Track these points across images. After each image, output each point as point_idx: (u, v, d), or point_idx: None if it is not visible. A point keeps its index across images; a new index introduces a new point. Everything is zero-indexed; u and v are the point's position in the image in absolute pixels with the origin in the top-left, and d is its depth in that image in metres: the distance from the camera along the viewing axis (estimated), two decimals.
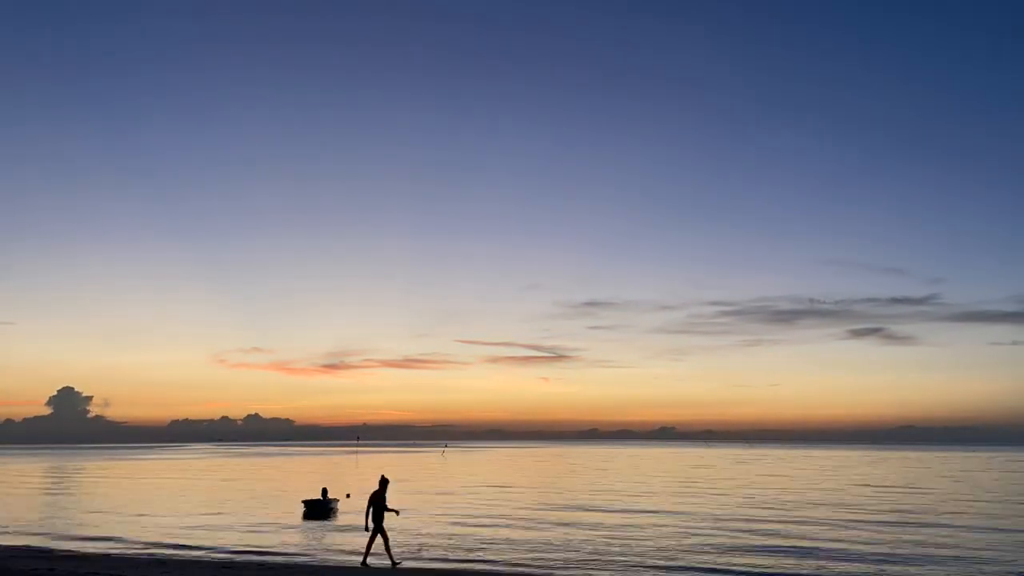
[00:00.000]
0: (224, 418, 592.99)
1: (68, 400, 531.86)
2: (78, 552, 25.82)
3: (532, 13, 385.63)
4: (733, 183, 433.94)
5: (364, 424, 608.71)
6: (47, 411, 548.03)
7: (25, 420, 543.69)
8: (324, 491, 40.95)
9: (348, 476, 77.62)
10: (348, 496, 41.48)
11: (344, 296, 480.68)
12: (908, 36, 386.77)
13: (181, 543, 28.15)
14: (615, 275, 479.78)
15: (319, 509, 38.55)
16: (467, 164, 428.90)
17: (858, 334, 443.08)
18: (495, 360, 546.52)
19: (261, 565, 22.94)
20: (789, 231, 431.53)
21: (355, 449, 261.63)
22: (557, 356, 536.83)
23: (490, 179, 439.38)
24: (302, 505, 39.70)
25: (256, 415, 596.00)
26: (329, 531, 32.20)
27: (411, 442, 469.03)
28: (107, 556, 24.86)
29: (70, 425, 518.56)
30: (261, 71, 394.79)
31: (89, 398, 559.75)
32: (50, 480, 74.39)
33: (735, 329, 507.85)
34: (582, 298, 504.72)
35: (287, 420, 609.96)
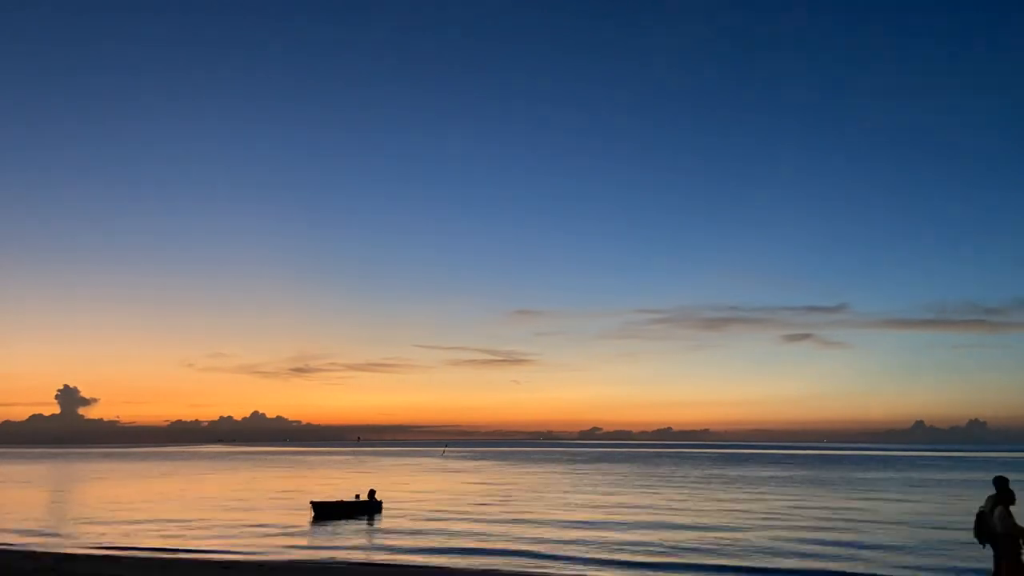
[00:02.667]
0: (223, 418, 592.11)
1: (68, 400, 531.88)
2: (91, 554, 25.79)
3: (463, 15, 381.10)
4: (659, 196, 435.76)
5: (368, 425, 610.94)
6: (47, 411, 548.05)
7: (26, 420, 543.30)
8: (372, 492, 40.41)
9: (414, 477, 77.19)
10: (357, 497, 41.16)
11: (305, 303, 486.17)
12: (821, 52, 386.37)
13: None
14: (547, 283, 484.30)
15: (331, 511, 37.60)
16: (411, 175, 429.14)
17: (792, 339, 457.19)
18: (456, 363, 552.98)
19: (261, 566, 22.90)
20: (703, 242, 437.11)
21: (357, 449, 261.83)
22: (516, 360, 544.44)
23: (426, 192, 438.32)
24: (311, 507, 38.56)
25: (262, 415, 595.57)
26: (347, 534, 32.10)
27: (411, 442, 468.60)
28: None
29: (70, 425, 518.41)
30: (225, 75, 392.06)
31: (92, 400, 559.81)
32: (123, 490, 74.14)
33: (672, 335, 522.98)
34: (518, 306, 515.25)
35: (294, 421, 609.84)
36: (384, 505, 40.65)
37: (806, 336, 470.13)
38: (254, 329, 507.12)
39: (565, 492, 54.15)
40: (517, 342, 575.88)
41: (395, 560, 24.34)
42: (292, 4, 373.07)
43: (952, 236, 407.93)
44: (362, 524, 34.59)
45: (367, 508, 38.99)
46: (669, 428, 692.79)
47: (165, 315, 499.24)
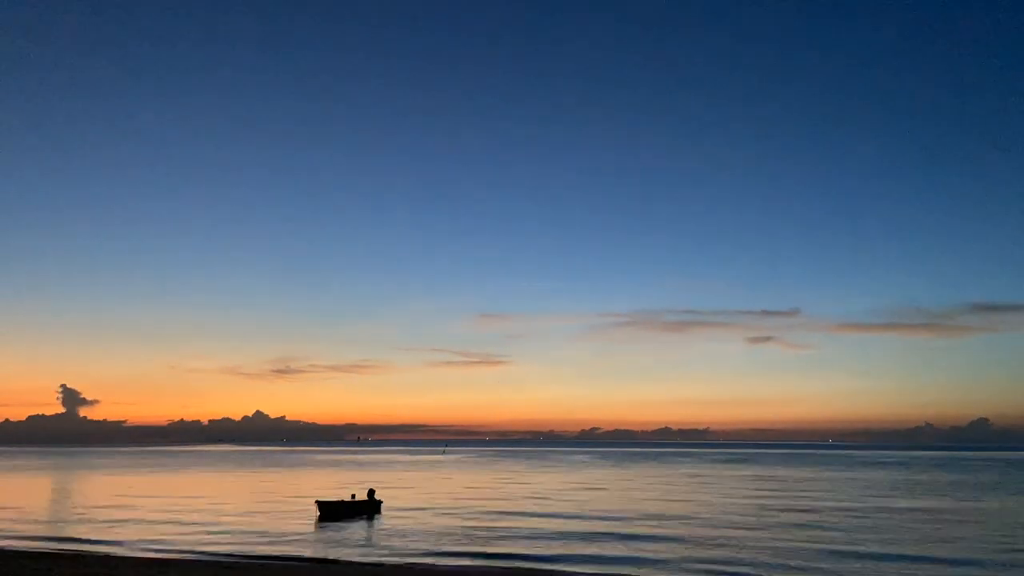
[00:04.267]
0: (224, 418, 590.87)
1: (68, 400, 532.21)
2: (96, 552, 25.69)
3: (430, 12, 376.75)
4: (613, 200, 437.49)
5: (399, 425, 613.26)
6: (46, 411, 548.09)
7: (26, 420, 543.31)
8: (371, 492, 40.46)
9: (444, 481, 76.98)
10: (353, 496, 41.16)
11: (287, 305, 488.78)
12: (766, 61, 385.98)
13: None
14: (510, 288, 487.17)
15: (336, 511, 37.38)
16: (377, 181, 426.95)
17: (756, 341, 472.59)
18: (435, 365, 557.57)
19: (263, 566, 22.82)
20: (657, 248, 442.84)
21: (360, 449, 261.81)
22: (492, 362, 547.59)
23: (385, 202, 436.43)
24: (316, 507, 38.32)
25: (264, 414, 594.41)
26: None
27: (410, 443, 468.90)
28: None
29: (71, 425, 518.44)
30: (216, 75, 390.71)
31: (92, 400, 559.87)
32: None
33: (636, 337, 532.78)
34: (483, 310, 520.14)
35: (294, 420, 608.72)
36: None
37: (768, 339, 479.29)
38: (254, 330, 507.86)
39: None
40: (488, 345, 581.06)
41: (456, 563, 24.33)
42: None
43: (903, 242, 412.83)
44: (363, 524, 34.47)
45: (368, 507, 38.95)
46: (667, 427, 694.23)
47: (165, 316, 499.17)
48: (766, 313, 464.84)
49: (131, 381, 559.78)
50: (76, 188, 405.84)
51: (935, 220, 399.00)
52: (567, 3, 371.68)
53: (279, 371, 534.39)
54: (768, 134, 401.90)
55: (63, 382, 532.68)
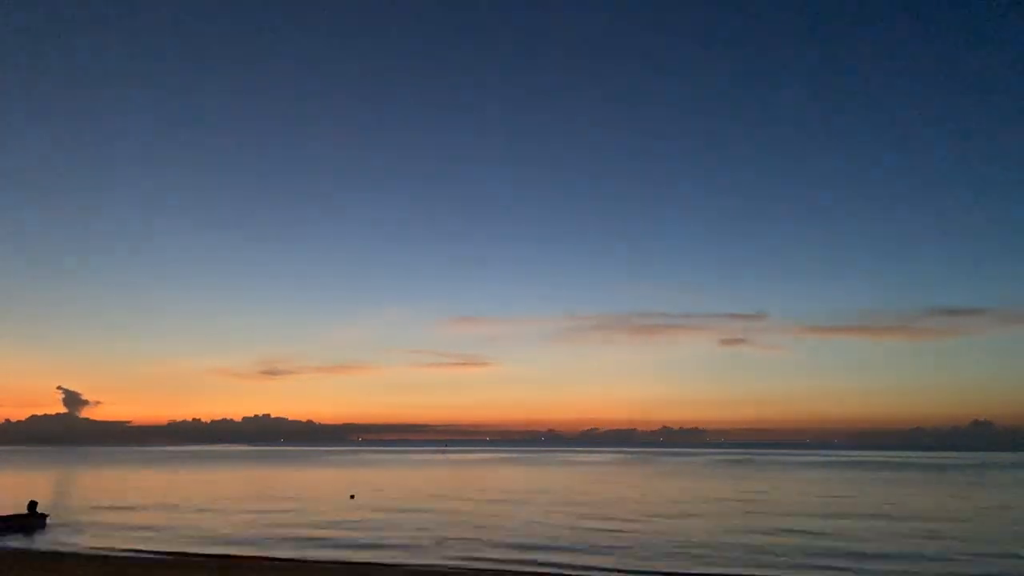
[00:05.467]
0: (224, 419, 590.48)
1: (68, 400, 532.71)
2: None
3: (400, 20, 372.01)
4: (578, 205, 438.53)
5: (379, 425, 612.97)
6: (46, 411, 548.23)
7: (26, 420, 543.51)
8: (32, 504, 34.17)
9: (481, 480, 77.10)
10: (352, 497, 40.97)
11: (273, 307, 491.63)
12: (730, 69, 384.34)
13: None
14: (481, 292, 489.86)
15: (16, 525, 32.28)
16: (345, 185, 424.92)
17: (727, 343, 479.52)
18: (421, 366, 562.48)
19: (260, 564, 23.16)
20: (625, 253, 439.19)
21: (359, 450, 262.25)
22: (481, 363, 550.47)
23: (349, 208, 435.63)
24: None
25: (268, 416, 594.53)
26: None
27: (410, 443, 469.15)
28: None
29: (71, 425, 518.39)
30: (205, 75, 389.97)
31: (92, 401, 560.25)
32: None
33: (610, 339, 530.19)
34: (457, 314, 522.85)
35: (293, 420, 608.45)
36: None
37: (741, 341, 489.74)
38: (241, 332, 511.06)
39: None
40: (463, 347, 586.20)
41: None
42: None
43: (864, 248, 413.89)
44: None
45: (27, 520, 32.77)
46: (667, 428, 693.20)
47: (165, 316, 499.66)
48: (733, 316, 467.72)
49: (131, 382, 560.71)
50: (77, 188, 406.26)
51: (895, 226, 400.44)
52: (534, 22, 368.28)
53: (266, 372, 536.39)
54: (734, 141, 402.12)
55: (64, 383, 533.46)
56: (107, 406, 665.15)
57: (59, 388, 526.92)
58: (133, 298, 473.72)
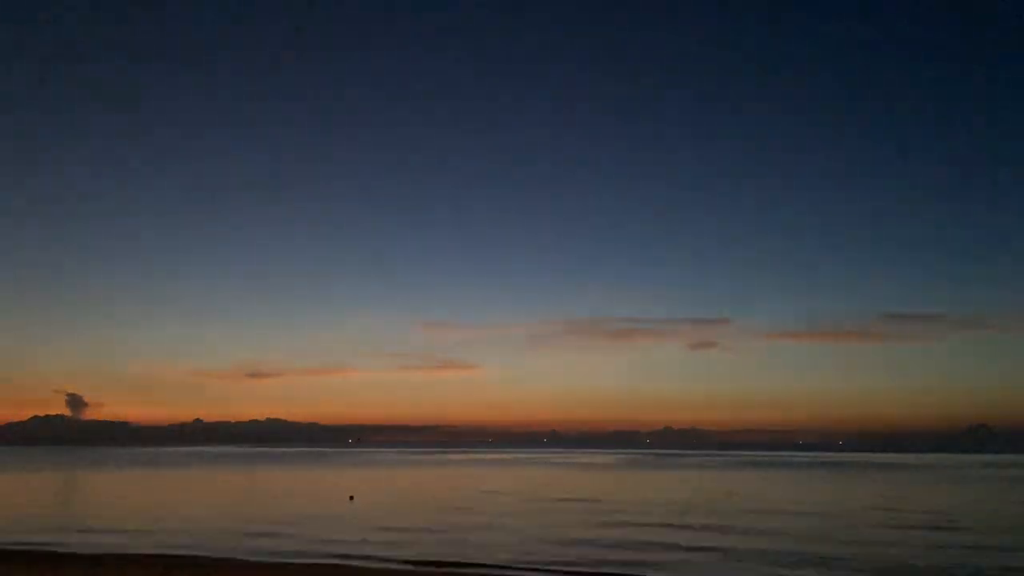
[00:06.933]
0: (223, 421, 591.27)
1: (70, 400, 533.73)
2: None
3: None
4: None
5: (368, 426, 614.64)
6: (47, 412, 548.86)
7: (27, 420, 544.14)
8: None
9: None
10: (352, 498, 41.58)
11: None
12: (695, 80, 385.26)
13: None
14: (452, 298, 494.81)
15: None
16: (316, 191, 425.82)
17: (697, 346, 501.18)
18: (404, 369, 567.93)
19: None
20: (592, 256, 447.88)
21: (359, 450, 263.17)
22: (464, 366, 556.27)
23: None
24: None
25: (266, 416, 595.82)
26: None
27: (404, 444, 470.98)
28: None
29: (72, 426, 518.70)
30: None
31: (93, 401, 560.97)
32: None
33: (581, 342, 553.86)
34: (429, 318, 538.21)
35: (292, 422, 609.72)
36: None
37: (711, 344, 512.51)
38: (225, 335, 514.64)
39: None
40: (438, 352, 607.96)
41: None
42: None
43: (821, 256, 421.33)
44: None
45: None
46: (669, 428, 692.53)
47: (164, 317, 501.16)
48: (697, 321, 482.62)
49: (130, 382, 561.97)
50: (77, 188, 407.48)
51: (853, 236, 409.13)
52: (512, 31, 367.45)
53: (251, 375, 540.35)
54: (699, 155, 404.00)
55: (65, 384, 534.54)
56: (108, 407, 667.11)
57: (60, 390, 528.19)
58: (133, 299, 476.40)
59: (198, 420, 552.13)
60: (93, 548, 28.15)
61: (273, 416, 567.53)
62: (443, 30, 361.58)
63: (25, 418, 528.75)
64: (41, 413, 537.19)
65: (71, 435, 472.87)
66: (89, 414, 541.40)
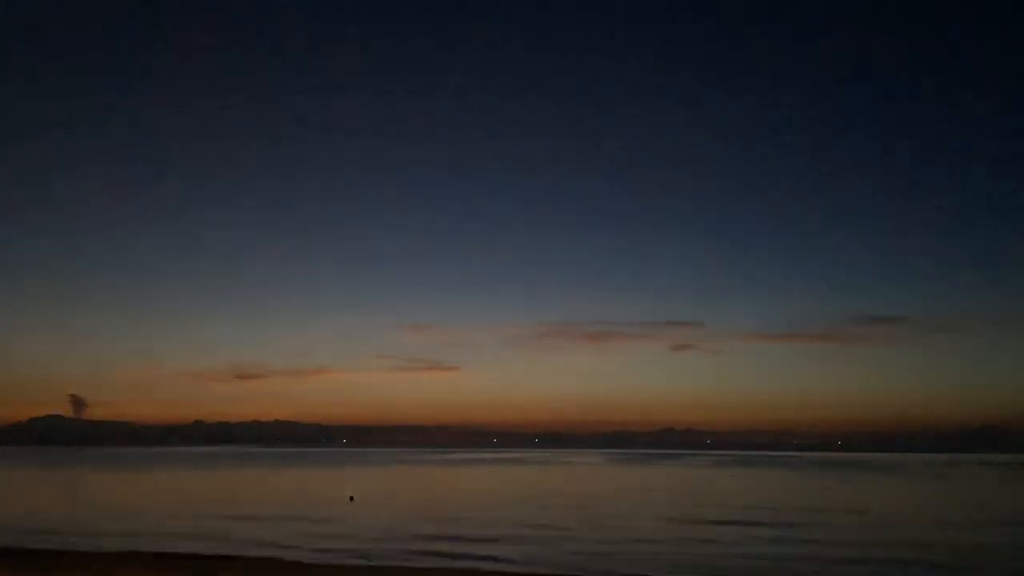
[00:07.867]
0: (222, 422, 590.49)
1: (71, 401, 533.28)
2: None
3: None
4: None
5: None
6: (51, 412, 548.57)
7: (27, 421, 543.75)
8: None
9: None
10: (352, 499, 41.61)
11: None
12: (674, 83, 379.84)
13: None
14: (431, 300, 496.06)
15: None
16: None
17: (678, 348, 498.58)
18: (391, 370, 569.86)
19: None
20: (564, 261, 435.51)
21: (352, 451, 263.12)
22: (445, 368, 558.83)
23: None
24: None
25: (266, 416, 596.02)
26: None
27: (401, 445, 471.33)
28: None
29: (73, 427, 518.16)
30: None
31: (96, 404, 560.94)
32: None
33: (560, 344, 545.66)
34: (407, 320, 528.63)
35: (289, 422, 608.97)
36: None
37: (690, 346, 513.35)
38: (213, 336, 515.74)
39: None
40: (423, 353, 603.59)
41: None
42: None
43: (796, 258, 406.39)
44: None
45: None
46: (672, 428, 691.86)
47: (163, 318, 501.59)
48: (671, 324, 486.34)
49: (129, 383, 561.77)
50: (78, 188, 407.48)
51: (824, 236, 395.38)
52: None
53: (240, 376, 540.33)
54: (675, 161, 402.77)
55: (65, 384, 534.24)
56: (108, 408, 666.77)
57: (61, 390, 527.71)
58: (133, 300, 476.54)
59: (197, 422, 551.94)
60: (118, 546, 28.40)
61: (271, 418, 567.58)
62: (410, 28, 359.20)
63: (25, 419, 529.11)
64: (42, 413, 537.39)
65: (72, 435, 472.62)
66: (91, 415, 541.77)
